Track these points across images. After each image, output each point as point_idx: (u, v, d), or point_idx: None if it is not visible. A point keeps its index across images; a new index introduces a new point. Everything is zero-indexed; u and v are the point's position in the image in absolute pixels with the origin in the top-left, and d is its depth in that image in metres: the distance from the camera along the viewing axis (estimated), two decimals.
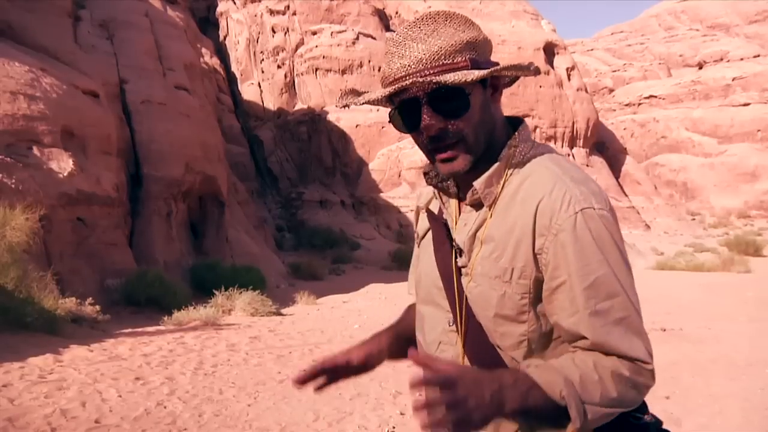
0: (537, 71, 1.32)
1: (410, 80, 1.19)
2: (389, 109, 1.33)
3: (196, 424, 4.92)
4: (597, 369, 1.17)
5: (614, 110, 62.64)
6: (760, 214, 48.01)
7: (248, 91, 43.42)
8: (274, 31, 42.15)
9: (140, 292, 12.32)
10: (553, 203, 1.22)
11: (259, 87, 43.11)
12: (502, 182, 1.29)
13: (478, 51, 1.28)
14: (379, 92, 1.26)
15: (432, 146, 1.28)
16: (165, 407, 5.30)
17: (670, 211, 47.94)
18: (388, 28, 45.77)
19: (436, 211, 1.45)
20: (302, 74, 40.75)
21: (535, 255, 1.23)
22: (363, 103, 1.33)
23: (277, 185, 39.35)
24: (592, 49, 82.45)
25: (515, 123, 1.40)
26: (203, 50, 35.67)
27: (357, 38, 40.76)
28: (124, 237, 14.46)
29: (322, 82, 40.08)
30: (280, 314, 12.38)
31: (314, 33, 41.22)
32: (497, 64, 1.30)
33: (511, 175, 1.30)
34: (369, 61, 40.31)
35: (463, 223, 1.35)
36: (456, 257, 1.34)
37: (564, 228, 1.20)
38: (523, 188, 1.28)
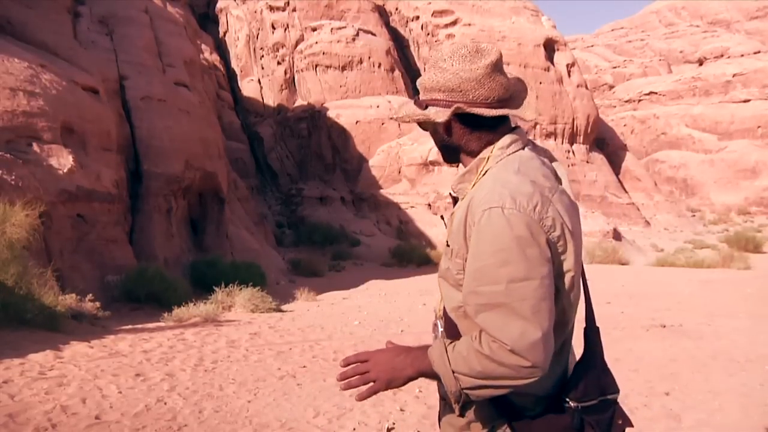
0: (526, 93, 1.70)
1: (400, 116, 1.68)
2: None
3: (196, 420, 4.93)
4: (466, 347, 1.49)
5: (614, 107, 62.60)
6: (760, 211, 48.01)
7: (248, 88, 43.39)
8: (273, 28, 42.10)
9: (140, 289, 12.33)
10: (479, 201, 1.52)
11: (259, 83, 43.07)
12: (473, 181, 1.61)
13: (447, 90, 1.65)
14: (399, 118, 1.69)
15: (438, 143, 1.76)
16: (165, 403, 5.30)
17: (670, 208, 47.92)
18: (387, 25, 45.70)
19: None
20: (302, 70, 40.71)
21: (465, 240, 1.54)
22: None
23: (277, 182, 39.35)
24: (592, 46, 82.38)
25: (515, 129, 1.72)
26: (203, 47, 35.65)
27: (357, 34, 40.71)
28: (124, 233, 14.46)
29: (322, 78, 40.05)
30: (280, 311, 12.39)
31: (314, 29, 41.16)
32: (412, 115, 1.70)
33: (482, 175, 1.61)
34: (369, 58, 40.27)
35: (452, 212, 1.68)
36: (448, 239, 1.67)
37: (476, 221, 1.50)
38: (477, 187, 1.59)
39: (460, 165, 1.71)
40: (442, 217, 1.80)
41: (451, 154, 1.71)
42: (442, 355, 1.52)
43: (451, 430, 1.70)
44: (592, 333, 1.67)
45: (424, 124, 1.68)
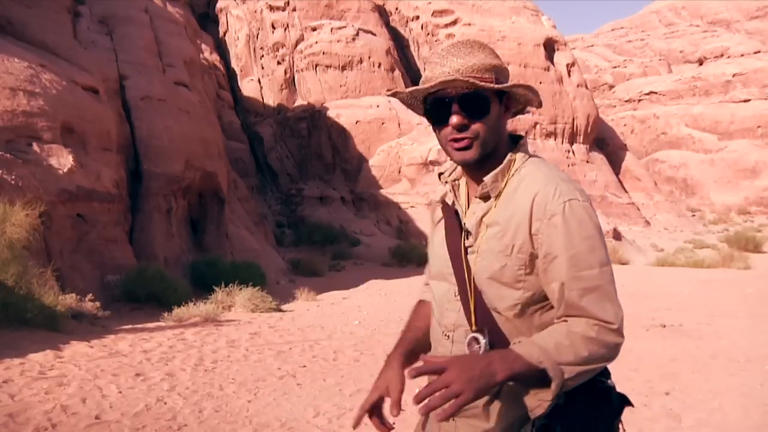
0: (540, 104, 1.73)
1: (446, 79, 1.55)
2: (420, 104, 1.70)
3: (196, 419, 4.93)
4: (569, 336, 1.47)
5: (614, 106, 62.60)
6: (760, 210, 48.02)
7: (248, 87, 43.38)
8: (273, 27, 42.09)
9: (140, 289, 12.33)
10: (547, 195, 1.55)
11: (259, 83, 43.07)
12: (505, 180, 1.63)
13: (499, 74, 1.62)
14: (423, 87, 1.61)
15: (452, 137, 1.60)
16: (165, 403, 5.30)
17: (670, 208, 47.92)
18: (388, 24, 45.68)
19: (450, 204, 1.77)
20: (302, 70, 40.70)
21: (531, 235, 1.56)
22: (406, 95, 1.70)
23: (277, 181, 39.35)
24: (592, 45, 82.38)
25: (516, 139, 1.75)
26: (203, 46, 35.64)
27: (357, 34, 40.71)
28: (124, 233, 14.46)
29: (322, 78, 40.04)
30: (280, 310, 12.39)
31: (314, 29, 41.15)
32: (517, 86, 1.64)
33: (512, 175, 1.64)
34: (369, 57, 40.26)
35: (472, 212, 1.68)
36: (464, 239, 1.66)
37: (556, 213, 1.53)
38: (522, 185, 1.61)
39: (474, 156, 1.63)
40: (461, 227, 1.73)
41: (492, 153, 1.64)
42: (544, 349, 1.43)
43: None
44: None
45: (485, 112, 1.59)
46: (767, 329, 8.91)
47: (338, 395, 5.77)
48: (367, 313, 11.73)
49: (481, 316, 1.60)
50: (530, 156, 1.68)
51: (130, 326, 9.44)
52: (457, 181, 1.76)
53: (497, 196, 1.62)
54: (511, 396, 1.54)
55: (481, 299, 1.60)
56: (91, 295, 10.23)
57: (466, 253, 1.64)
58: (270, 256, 21.40)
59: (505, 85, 1.60)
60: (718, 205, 50.05)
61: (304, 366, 6.97)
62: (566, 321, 1.51)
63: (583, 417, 1.55)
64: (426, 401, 1.37)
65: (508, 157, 1.65)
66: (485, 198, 1.65)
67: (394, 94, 1.72)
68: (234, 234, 19.62)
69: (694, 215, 49.24)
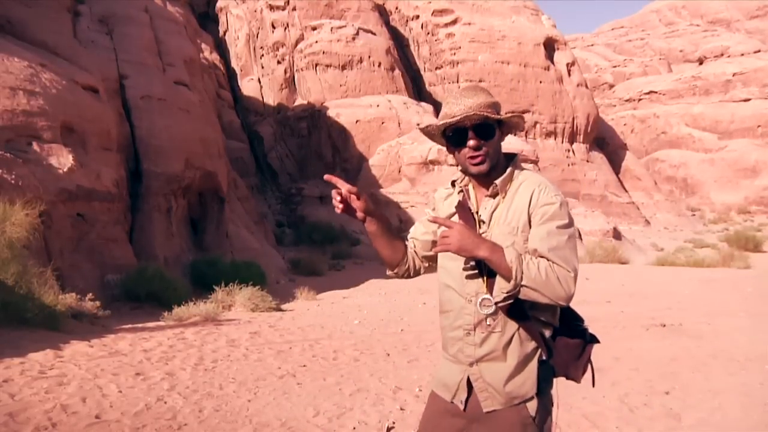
0: (524, 127, 2.93)
1: (466, 115, 2.22)
2: (440, 134, 2.36)
3: (197, 419, 4.93)
4: (540, 263, 2.09)
5: (614, 106, 62.58)
6: (760, 210, 48.01)
7: (248, 87, 43.37)
8: (273, 27, 42.08)
9: (140, 288, 12.33)
10: (540, 192, 2.22)
11: (259, 82, 43.05)
12: (510, 183, 2.29)
13: (497, 108, 2.28)
14: (450, 121, 2.25)
15: (470, 155, 2.25)
16: (165, 402, 5.30)
17: (670, 207, 47.92)
18: (387, 24, 45.67)
19: (454, 205, 2.39)
20: (302, 70, 40.69)
21: (529, 219, 2.21)
22: (434, 127, 2.35)
23: (277, 181, 39.34)
24: (592, 45, 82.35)
25: (510, 156, 2.37)
26: (203, 46, 35.63)
27: (357, 34, 40.68)
28: (124, 233, 14.46)
29: (322, 77, 40.03)
30: (280, 310, 12.39)
31: (314, 28, 41.14)
32: (513, 115, 2.31)
33: (513, 180, 2.29)
34: (369, 57, 40.24)
35: (484, 207, 2.31)
36: (479, 227, 2.27)
37: (546, 203, 2.20)
38: (522, 186, 2.27)
39: (487, 168, 2.29)
40: (474, 218, 2.37)
41: (496, 165, 2.29)
42: (519, 257, 2.09)
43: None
44: None
45: (492, 135, 2.27)
46: (767, 328, 8.91)
47: (338, 394, 5.77)
48: (367, 313, 11.73)
49: (491, 283, 2.18)
50: (523, 168, 2.35)
51: (130, 326, 9.44)
52: (467, 187, 2.37)
53: (505, 194, 2.27)
54: (520, 343, 2.18)
55: (492, 270, 2.15)
56: (91, 294, 10.22)
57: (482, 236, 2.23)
58: (270, 256, 21.40)
59: (504, 115, 2.27)
60: (718, 204, 50.04)
61: (304, 365, 6.97)
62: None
63: (566, 350, 2.25)
64: (440, 243, 2.16)
65: (510, 168, 2.30)
66: (494, 196, 2.28)
67: (425, 129, 2.40)
68: (234, 233, 19.62)
69: (694, 215, 49.23)
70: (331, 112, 37.69)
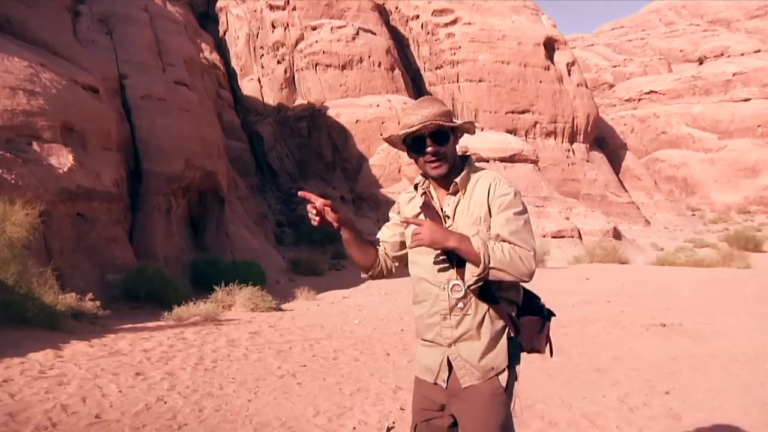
0: (474, 131, 2.67)
1: (423, 124, 2.48)
2: (401, 140, 2.61)
3: (197, 419, 4.93)
4: (503, 246, 2.37)
5: (614, 105, 62.57)
6: (760, 210, 48.02)
7: (248, 87, 43.36)
8: (273, 27, 42.08)
9: (140, 288, 12.32)
10: (496, 185, 2.51)
11: (259, 82, 43.05)
12: (468, 180, 2.56)
13: (450, 116, 2.54)
14: (405, 131, 2.52)
15: (429, 160, 2.52)
16: (165, 402, 5.31)
17: (670, 207, 47.92)
18: (388, 24, 45.66)
19: (419, 206, 2.63)
20: (302, 69, 40.68)
21: (489, 208, 2.48)
22: (395, 137, 2.61)
23: (277, 180, 39.34)
24: (592, 45, 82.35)
25: (465, 157, 2.65)
26: (203, 45, 35.62)
27: (357, 33, 40.69)
28: (124, 232, 14.46)
29: (322, 77, 40.03)
30: (280, 310, 12.39)
31: (314, 28, 41.14)
32: (464, 124, 2.60)
33: (473, 176, 2.57)
34: (369, 57, 40.24)
35: (447, 204, 2.57)
36: (444, 222, 2.53)
37: (502, 194, 2.48)
38: (479, 182, 2.55)
39: (445, 170, 2.57)
40: (440, 214, 2.66)
41: (453, 167, 2.56)
42: (485, 243, 2.35)
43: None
44: None
45: (447, 141, 2.53)
46: (767, 328, 8.92)
47: (338, 394, 5.77)
48: (367, 313, 11.73)
49: (462, 272, 2.42)
50: (476, 167, 2.64)
51: (130, 325, 9.44)
52: (428, 189, 2.63)
53: (464, 191, 2.54)
54: (491, 322, 2.45)
55: (460, 259, 2.41)
56: (91, 294, 10.22)
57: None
58: (270, 256, 21.40)
59: (456, 123, 2.54)
60: (718, 204, 50.04)
61: (304, 365, 6.97)
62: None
63: (529, 326, 2.53)
64: (414, 239, 2.42)
65: (466, 167, 2.58)
66: (455, 193, 2.55)
67: (388, 138, 2.67)
68: (234, 233, 19.62)
69: (694, 214, 49.23)
70: (331, 112, 37.68)
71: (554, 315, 2.62)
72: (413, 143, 2.52)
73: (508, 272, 2.33)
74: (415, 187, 2.67)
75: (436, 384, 2.51)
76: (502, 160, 34.35)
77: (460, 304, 2.44)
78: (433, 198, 2.61)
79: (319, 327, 9.79)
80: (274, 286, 15.93)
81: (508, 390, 2.43)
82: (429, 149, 2.48)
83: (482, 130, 39.47)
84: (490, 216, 2.46)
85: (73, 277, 11.44)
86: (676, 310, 10.95)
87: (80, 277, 11.81)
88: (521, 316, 2.51)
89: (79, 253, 12.43)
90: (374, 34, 42.22)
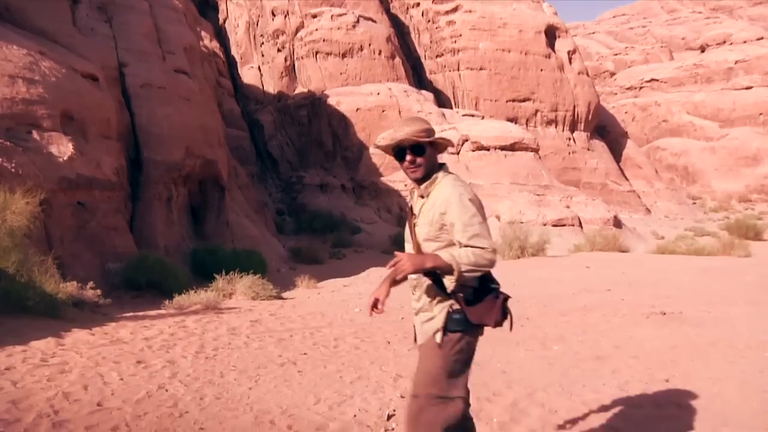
0: (449, 145, 3.33)
1: (406, 139, 3.12)
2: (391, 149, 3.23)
3: (198, 406, 4.95)
4: (465, 251, 2.92)
5: (615, 94, 62.39)
6: (761, 198, 47.99)
7: (248, 75, 43.23)
8: (273, 14, 41.89)
9: (141, 276, 12.35)
10: (451, 194, 3.03)
11: (259, 70, 42.91)
12: (432, 187, 3.13)
13: (429, 132, 3.13)
14: (391, 142, 3.14)
15: (407, 167, 3.16)
16: (166, 390, 5.32)
17: (670, 195, 47.89)
18: (388, 11, 45.44)
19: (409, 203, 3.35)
20: (302, 58, 40.54)
21: (440, 214, 3.03)
22: (384, 146, 3.27)
23: (278, 169, 39.29)
24: (593, 32, 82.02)
25: (441, 164, 3.21)
26: (203, 33, 35.48)
27: (357, 21, 40.50)
28: (125, 221, 14.47)
29: (323, 65, 39.89)
30: (281, 298, 12.40)
31: (314, 16, 40.95)
32: (446, 140, 3.21)
33: (436, 185, 3.13)
34: (369, 45, 40.08)
35: (417, 204, 3.21)
36: (414, 219, 3.20)
37: (453, 202, 3.00)
38: (439, 189, 3.11)
39: (421, 175, 3.19)
40: (412, 212, 3.39)
41: (429, 173, 3.16)
42: (452, 256, 2.90)
43: (427, 316, 3.14)
44: None
45: (423, 153, 3.14)
46: (767, 317, 8.93)
47: (339, 382, 5.79)
48: (367, 301, 11.72)
49: (419, 253, 3.10)
50: (448, 174, 3.16)
51: (131, 314, 9.46)
52: (413, 190, 3.27)
53: (428, 196, 3.13)
54: (436, 299, 3.08)
55: (418, 247, 3.13)
56: (92, 282, 10.24)
57: (414, 226, 3.18)
58: (270, 244, 21.43)
59: (431, 138, 3.12)
60: (719, 192, 50.01)
61: (305, 353, 6.99)
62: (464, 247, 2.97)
63: (482, 304, 3.05)
64: (392, 265, 2.93)
65: (435, 175, 3.15)
66: (422, 196, 3.16)
67: (379, 146, 3.40)
68: (234, 222, 19.63)
69: (694, 203, 49.22)
70: (331, 100, 37.57)
71: (509, 297, 3.16)
72: (398, 153, 3.16)
73: (476, 270, 2.91)
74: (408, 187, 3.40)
75: (415, 341, 3.28)
76: (503, 148, 34.29)
77: (417, 285, 3.17)
78: (413, 198, 3.28)
79: (320, 315, 9.81)
80: (275, 274, 15.95)
81: (445, 346, 3.06)
82: (408, 158, 3.13)
83: (483, 118, 39.36)
84: (442, 220, 3.03)
85: (73, 265, 11.47)
86: (677, 298, 10.95)
87: (81, 265, 11.84)
88: (477, 296, 3.06)
89: (80, 242, 12.45)
90: (374, 21, 42.02)
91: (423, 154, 3.11)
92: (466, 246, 2.92)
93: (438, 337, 3.08)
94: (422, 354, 3.17)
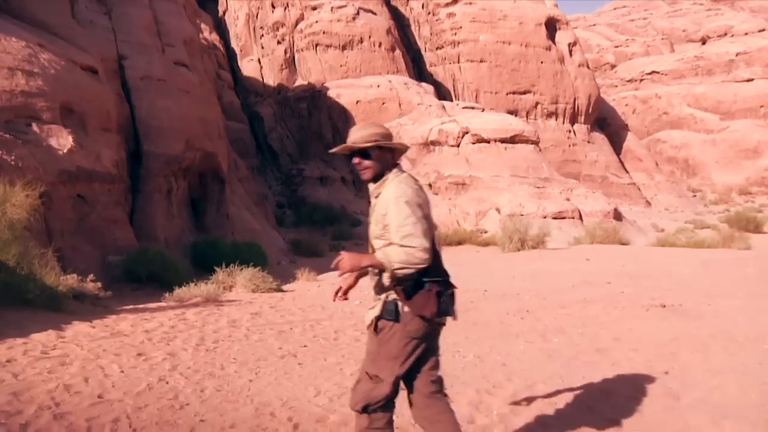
0: (405, 150, 3.55)
1: (354, 145, 3.30)
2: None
3: (198, 399, 4.96)
4: (396, 250, 3.11)
5: (616, 86, 62.26)
6: (761, 191, 47.96)
7: (248, 67, 43.12)
8: (273, 6, 41.76)
9: (141, 269, 12.35)
10: (390, 196, 3.21)
11: (259, 63, 42.80)
12: (382, 188, 3.30)
13: (379, 137, 3.29)
14: (346, 146, 3.33)
15: (358, 168, 3.34)
16: (167, 383, 5.33)
17: (671, 188, 47.87)
18: (388, 3, 45.29)
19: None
20: (302, 50, 40.44)
21: (383, 215, 3.22)
22: (337, 149, 3.43)
23: (278, 161, 39.25)
24: (594, 24, 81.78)
25: (396, 165, 3.38)
26: (202, 26, 35.39)
27: (357, 13, 40.38)
28: (125, 214, 14.47)
29: (323, 57, 39.80)
30: (281, 290, 12.40)
31: (314, 8, 40.83)
32: (394, 144, 3.36)
33: (386, 186, 3.29)
34: (369, 37, 39.98)
35: (371, 205, 3.35)
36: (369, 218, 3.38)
37: (391, 203, 3.19)
38: (386, 190, 3.27)
39: (369, 178, 3.37)
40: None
41: (380, 175, 3.32)
42: (385, 254, 3.15)
43: (376, 303, 3.37)
44: (436, 253, 3.30)
45: (370, 157, 3.31)
46: (767, 309, 8.94)
47: (339, 374, 5.80)
48: (368, 293, 11.73)
49: (372, 250, 3.33)
50: (400, 174, 3.31)
51: (131, 306, 9.47)
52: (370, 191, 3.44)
53: (378, 197, 3.31)
54: (382, 290, 3.30)
55: (373, 247, 3.32)
56: (92, 275, 10.24)
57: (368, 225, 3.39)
58: (271, 237, 21.43)
59: (377, 143, 3.27)
60: (719, 185, 49.97)
61: (305, 345, 7.00)
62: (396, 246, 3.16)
63: (419, 297, 3.21)
64: (335, 264, 3.17)
65: (385, 176, 3.31)
66: (374, 196, 3.34)
67: (335, 150, 3.44)
68: (234, 214, 19.63)
69: (695, 195, 49.20)
70: (331, 93, 37.50)
71: (451, 289, 3.34)
72: (350, 155, 3.37)
73: (408, 267, 3.11)
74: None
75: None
76: (503, 140, 34.24)
77: (372, 279, 3.41)
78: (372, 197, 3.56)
79: (320, 308, 9.82)
80: (275, 267, 15.95)
81: (380, 332, 3.35)
82: (354, 161, 3.34)
83: (483, 110, 39.29)
84: (384, 220, 3.23)
85: (74, 258, 11.47)
86: (676, 290, 10.96)
87: (81, 258, 11.84)
88: (415, 289, 3.23)
89: (80, 235, 12.45)
90: (375, 14, 41.89)
91: (369, 158, 3.31)
92: (399, 245, 3.13)
93: (373, 324, 3.40)
94: (368, 337, 3.55)
